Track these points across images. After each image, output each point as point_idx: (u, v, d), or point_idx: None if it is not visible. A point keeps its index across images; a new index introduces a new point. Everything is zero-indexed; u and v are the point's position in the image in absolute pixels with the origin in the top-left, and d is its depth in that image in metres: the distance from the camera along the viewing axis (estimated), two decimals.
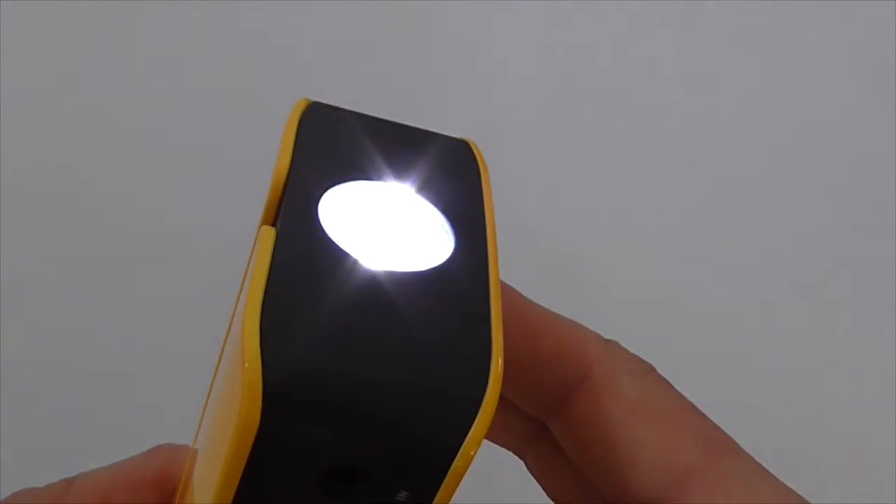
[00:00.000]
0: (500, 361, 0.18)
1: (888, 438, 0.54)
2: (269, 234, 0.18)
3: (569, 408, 0.23)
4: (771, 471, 0.22)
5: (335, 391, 0.17)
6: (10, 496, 0.25)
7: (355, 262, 0.19)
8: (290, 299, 0.17)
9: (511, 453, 0.27)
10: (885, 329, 0.58)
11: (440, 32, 0.63)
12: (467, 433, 0.17)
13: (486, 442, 0.26)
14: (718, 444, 0.22)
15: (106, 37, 0.59)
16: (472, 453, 0.17)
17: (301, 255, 0.18)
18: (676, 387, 0.24)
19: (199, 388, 0.24)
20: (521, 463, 0.27)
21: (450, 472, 0.18)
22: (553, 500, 0.26)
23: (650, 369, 0.24)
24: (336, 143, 0.21)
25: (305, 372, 0.16)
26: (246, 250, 0.20)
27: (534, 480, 0.27)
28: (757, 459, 0.23)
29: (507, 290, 0.23)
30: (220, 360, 0.22)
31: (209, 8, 0.61)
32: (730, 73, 0.65)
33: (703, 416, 0.23)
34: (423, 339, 0.18)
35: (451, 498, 0.18)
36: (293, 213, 0.19)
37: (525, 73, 0.63)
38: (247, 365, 0.16)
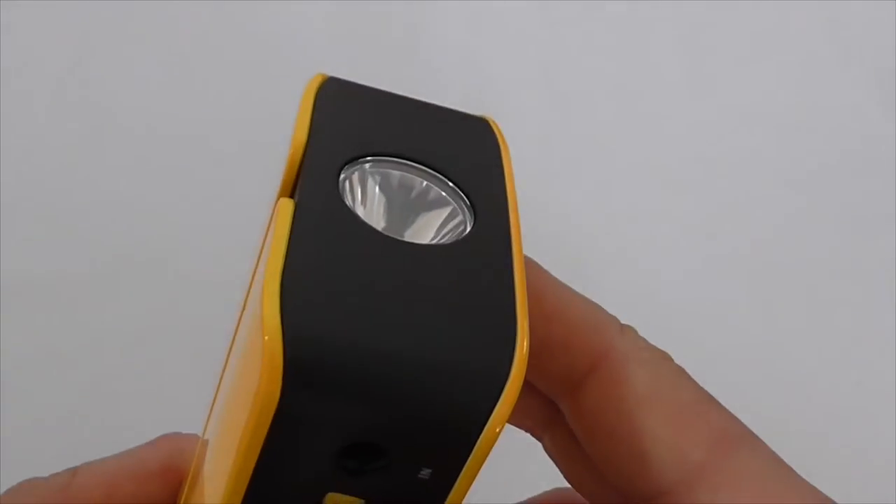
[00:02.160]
0: (526, 337, 0.17)
1: (888, 438, 0.54)
2: (288, 205, 0.18)
3: (581, 395, 0.23)
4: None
5: (357, 364, 0.16)
6: (13, 487, 0.24)
7: (377, 233, 0.18)
8: (310, 270, 0.17)
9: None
10: (885, 329, 0.57)
11: (439, 32, 0.63)
12: (492, 410, 0.17)
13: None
14: (733, 437, 0.22)
15: (105, 30, 0.59)
16: (497, 431, 0.17)
17: (321, 225, 0.18)
18: None
19: (208, 380, 0.24)
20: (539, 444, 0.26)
21: (474, 450, 0.17)
22: (570, 483, 0.25)
23: (665, 358, 0.23)
24: (354, 117, 0.21)
25: (326, 344, 0.16)
26: (253, 244, 0.20)
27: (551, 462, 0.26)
28: (785, 462, 0.22)
29: (527, 262, 0.22)
30: (232, 344, 0.22)
31: (209, 7, 0.61)
32: (730, 72, 0.65)
33: (719, 406, 0.22)
34: (447, 313, 0.17)
35: (474, 478, 0.18)
36: (312, 184, 0.18)
37: (524, 74, 0.63)
38: (267, 337, 0.16)
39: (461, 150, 0.21)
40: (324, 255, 0.17)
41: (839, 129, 0.64)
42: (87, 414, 0.50)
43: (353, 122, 0.21)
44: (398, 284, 0.17)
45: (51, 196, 0.55)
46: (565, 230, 0.59)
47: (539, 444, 0.26)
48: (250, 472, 0.17)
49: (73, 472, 0.24)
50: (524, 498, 0.27)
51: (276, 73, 0.60)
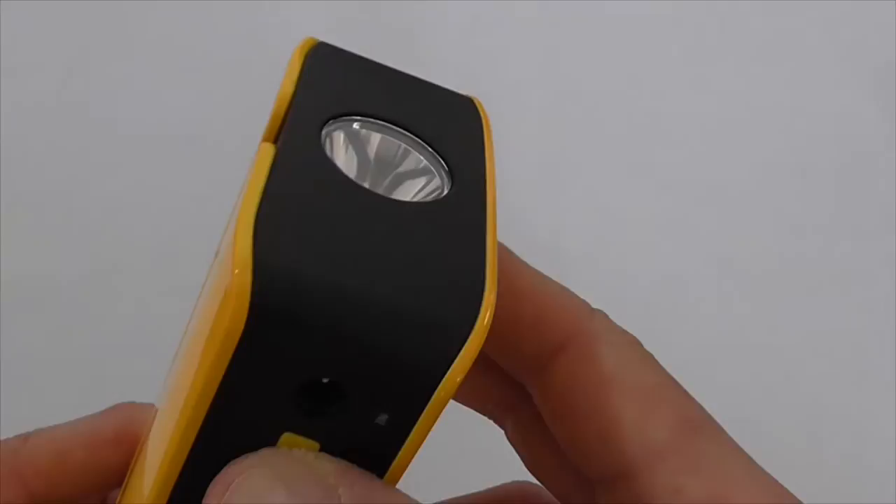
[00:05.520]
0: (494, 289, 0.17)
1: (888, 438, 0.54)
2: (269, 149, 0.18)
3: (548, 374, 0.23)
4: (768, 471, 0.22)
5: (324, 300, 0.16)
6: None
7: (354, 183, 0.18)
8: (285, 210, 0.17)
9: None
10: (885, 329, 0.57)
11: (439, 33, 0.63)
12: (454, 359, 0.17)
13: (468, 410, 0.26)
14: (694, 421, 0.22)
15: (104, 31, 0.59)
16: (457, 380, 0.17)
17: (300, 170, 0.18)
18: None
19: None
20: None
21: (432, 398, 0.17)
22: (531, 471, 0.26)
23: (633, 342, 0.23)
24: (342, 79, 0.21)
25: (295, 278, 0.16)
26: None
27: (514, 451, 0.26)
28: (745, 451, 0.22)
29: (500, 247, 0.23)
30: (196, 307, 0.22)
31: (205, 7, 0.61)
32: (727, 71, 0.65)
33: (683, 391, 0.23)
34: (418, 262, 0.17)
35: (431, 427, 0.18)
36: (295, 132, 0.19)
37: (524, 75, 0.63)
38: (237, 270, 0.16)
39: (444, 121, 0.21)
40: (300, 198, 0.18)
41: (838, 129, 0.64)
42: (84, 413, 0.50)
43: (341, 83, 0.21)
44: (370, 231, 0.18)
45: (50, 197, 0.55)
46: (563, 229, 0.58)
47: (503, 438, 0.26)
48: (207, 405, 0.17)
49: (25, 437, 0.24)
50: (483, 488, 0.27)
51: (276, 73, 0.60)
